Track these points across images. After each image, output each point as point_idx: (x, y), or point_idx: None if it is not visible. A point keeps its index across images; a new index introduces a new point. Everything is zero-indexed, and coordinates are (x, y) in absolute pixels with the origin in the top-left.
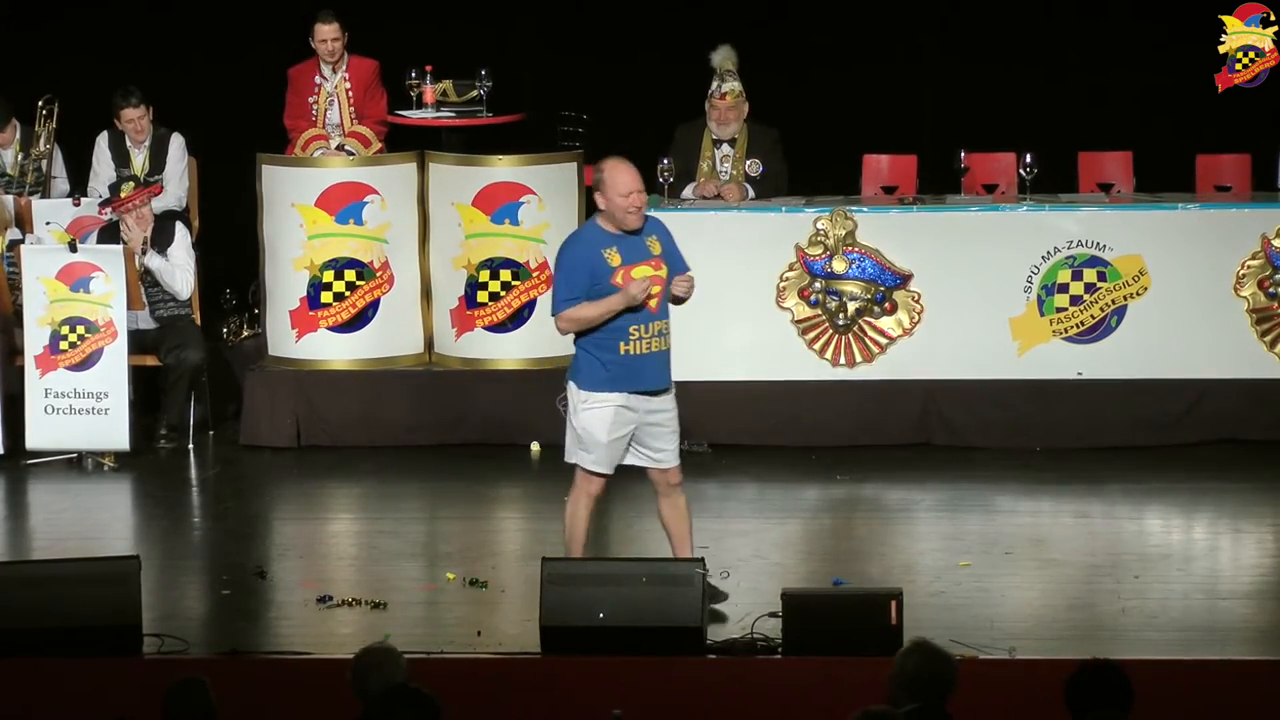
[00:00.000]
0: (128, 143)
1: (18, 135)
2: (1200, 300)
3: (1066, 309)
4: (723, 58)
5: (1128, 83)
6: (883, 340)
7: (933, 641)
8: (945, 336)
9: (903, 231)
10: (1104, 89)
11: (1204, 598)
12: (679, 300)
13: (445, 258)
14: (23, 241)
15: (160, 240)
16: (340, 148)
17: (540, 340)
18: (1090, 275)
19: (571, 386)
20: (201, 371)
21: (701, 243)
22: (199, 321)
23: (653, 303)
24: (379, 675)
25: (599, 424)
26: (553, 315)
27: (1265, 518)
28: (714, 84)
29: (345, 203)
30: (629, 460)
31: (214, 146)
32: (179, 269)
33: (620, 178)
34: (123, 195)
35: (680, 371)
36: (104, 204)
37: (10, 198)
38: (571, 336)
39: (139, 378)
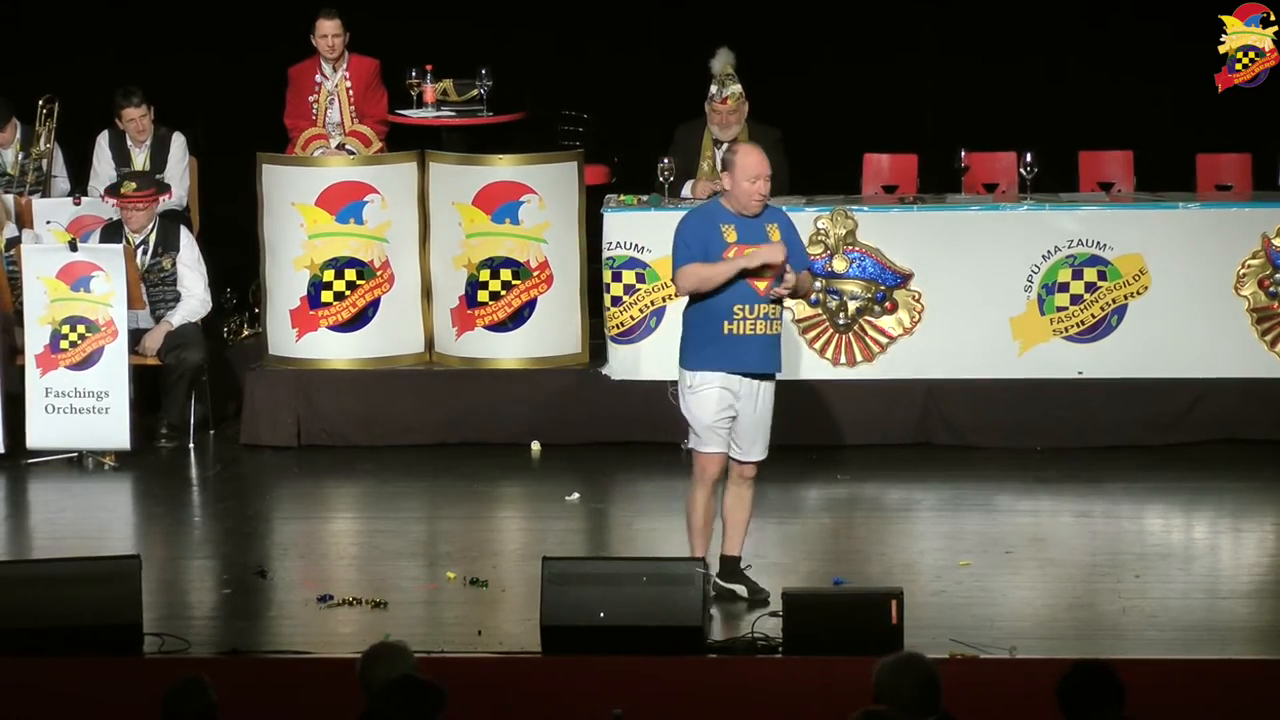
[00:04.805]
0: (128, 142)
1: (18, 134)
2: (1200, 300)
3: (1067, 308)
4: (722, 64)
5: (1128, 82)
6: (883, 340)
7: (917, 654)
8: (945, 336)
9: (903, 231)
10: (1104, 89)
11: (1204, 597)
12: (795, 294)
13: (446, 257)
14: (21, 240)
15: (166, 244)
16: (341, 147)
17: (541, 340)
18: (1091, 274)
19: (681, 372)
20: (202, 371)
21: None
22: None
23: (760, 285)
24: (388, 670)
25: (701, 406)
26: (672, 280)
27: (1265, 518)
28: (714, 88)
29: (345, 202)
30: None
31: (214, 146)
32: (193, 298)
33: (749, 160)
34: (124, 193)
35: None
36: (109, 191)
37: (10, 197)
38: (677, 321)
39: (139, 377)
